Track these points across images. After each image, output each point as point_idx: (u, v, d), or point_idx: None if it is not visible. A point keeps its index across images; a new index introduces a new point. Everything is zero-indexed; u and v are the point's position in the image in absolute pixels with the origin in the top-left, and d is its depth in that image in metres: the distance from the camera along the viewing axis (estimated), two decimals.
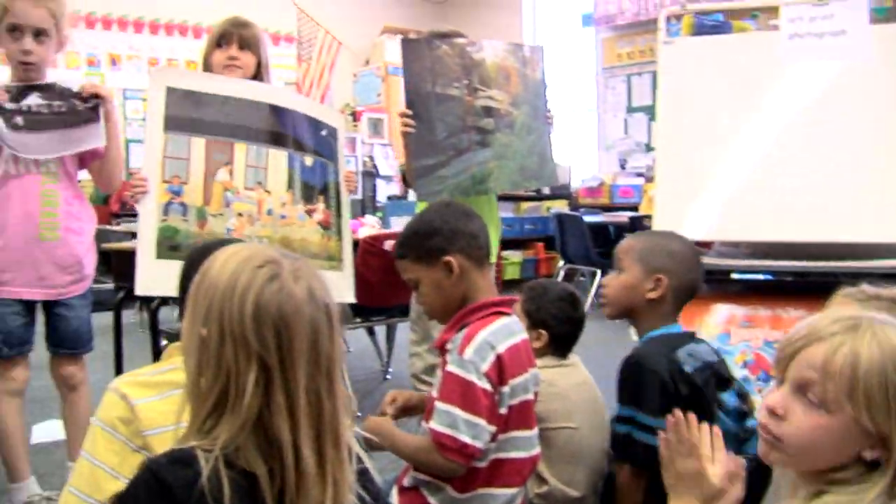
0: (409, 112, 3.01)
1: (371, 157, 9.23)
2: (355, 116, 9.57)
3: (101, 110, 2.72)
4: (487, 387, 1.84)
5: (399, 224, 6.15)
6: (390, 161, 9.41)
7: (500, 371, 1.86)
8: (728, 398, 2.15)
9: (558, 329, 2.35)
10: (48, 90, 2.68)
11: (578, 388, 2.32)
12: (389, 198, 8.72)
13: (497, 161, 3.16)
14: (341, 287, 2.91)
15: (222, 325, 1.19)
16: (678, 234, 2.31)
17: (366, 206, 6.77)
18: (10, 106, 2.61)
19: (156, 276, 2.62)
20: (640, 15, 8.89)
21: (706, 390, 2.05)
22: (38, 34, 2.66)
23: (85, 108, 2.70)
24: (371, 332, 4.96)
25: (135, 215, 6.11)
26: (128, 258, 3.76)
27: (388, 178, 9.18)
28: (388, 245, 3.65)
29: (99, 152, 2.80)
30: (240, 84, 2.89)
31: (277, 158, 2.86)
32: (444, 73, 3.08)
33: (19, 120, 2.61)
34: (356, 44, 9.78)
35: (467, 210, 2.06)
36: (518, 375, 1.91)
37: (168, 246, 2.65)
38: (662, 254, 2.18)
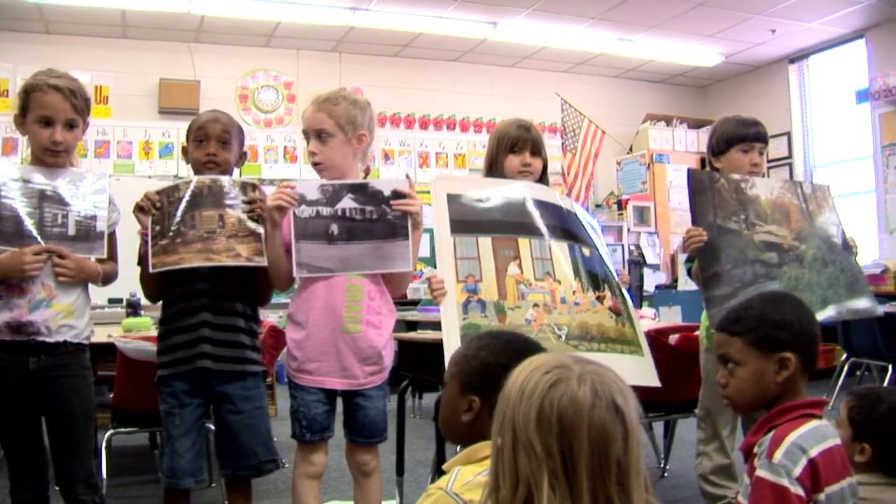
0: (699, 228, 3.06)
1: (637, 246, 9.15)
2: (620, 205, 9.55)
3: (409, 224, 2.76)
4: (801, 493, 1.73)
5: (669, 314, 6.03)
6: (657, 249, 9.29)
7: (814, 477, 1.75)
8: None
9: (887, 446, 2.14)
10: (361, 191, 2.76)
11: None
12: (657, 287, 8.61)
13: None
14: (645, 373, 2.84)
15: (515, 433, 1.19)
16: None
17: (633, 295, 6.69)
18: (325, 211, 2.73)
19: None
20: None
21: None
22: (320, 135, 2.82)
23: (395, 217, 2.75)
24: (649, 428, 4.83)
25: (412, 303, 6.34)
26: (411, 347, 3.92)
27: (655, 267, 9.06)
28: (673, 339, 3.57)
29: None
30: (511, 185, 2.97)
31: (560, 249, 2.89)
32: (724, 206, 3.12)
33: (335, 229, 2.72)
34: (619, 132, 9.84)
35: (813, 315, 1.98)
36: (834, 483, 1.79)
37: None
38: None
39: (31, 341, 2.66)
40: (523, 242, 2.84)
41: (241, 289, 2.89)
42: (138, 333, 4.07)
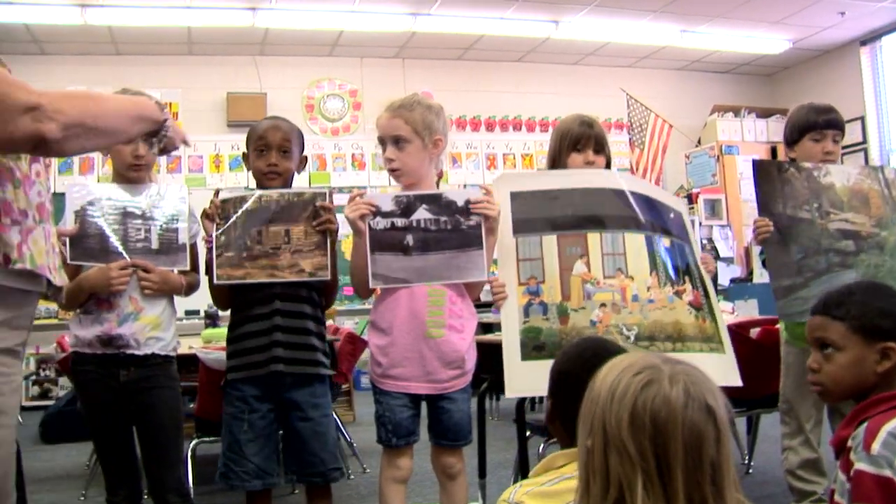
0: (764, 218, 3.06)
1: (710, 240, 9.04)
2: (691, 199, 9.43)
3: (483, 232, 2.75)
4: None
5: (745, 308, 5.91)
6: (730, 242, 9.16)
7: None
8: None
9: None
10: (434, 201, 2.77)
11: None
12: (732, 280, 8.47)
13: None
14: (726, 370, 2.75)
15: (605, 434, 1.20)
16: None
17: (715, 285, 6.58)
18: (400, 223, 2.74)
19: (523, 378, 2.64)
20: None
21: None
22: (398, 142, 2.84)
23: (469, 226, 2.74)
24: (731, 423, 4.74)
25: (486, 305, 6.31)
26: (489, 349, 3.91)
27: (728, 261, 8.93)
28: (754, 333, 3.52)
29: None
30: (581, 174, 2.91)
31: (635, 242, 2.78)
32: (793, 195, 3.09)
33: (410, 240, 2.73)
34: (687, 124, 9.68)
35: None
36: None
37: (532, 346, 2.66)
38: None
39: (121, 354, 2.74)
40: (593, 237, 2.76)
41: (311, 292, 2.92)
42: (218, 344, 4.14)
